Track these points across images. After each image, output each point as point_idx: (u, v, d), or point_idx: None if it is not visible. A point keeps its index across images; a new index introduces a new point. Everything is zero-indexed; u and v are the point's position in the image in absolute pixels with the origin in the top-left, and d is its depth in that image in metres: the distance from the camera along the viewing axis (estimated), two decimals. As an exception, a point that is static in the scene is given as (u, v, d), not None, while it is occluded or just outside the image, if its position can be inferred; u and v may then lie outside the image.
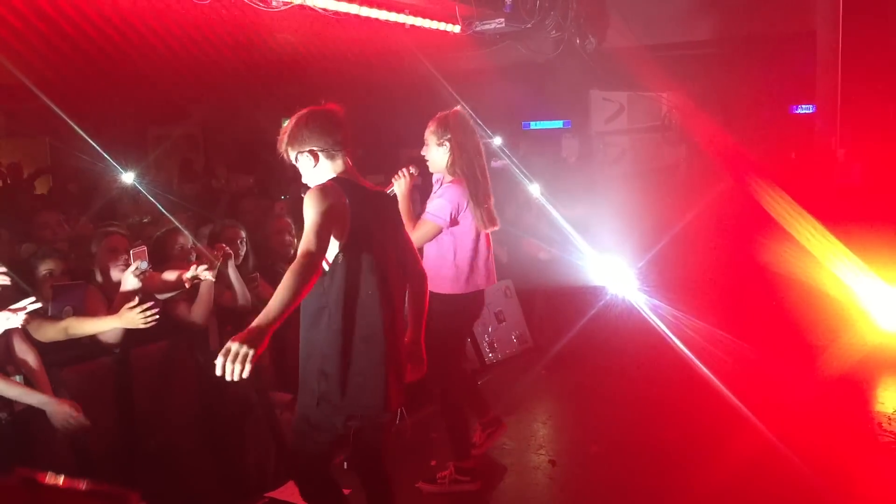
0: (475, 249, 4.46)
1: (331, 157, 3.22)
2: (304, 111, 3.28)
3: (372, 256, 3.14)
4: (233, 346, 2.63)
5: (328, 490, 3.38)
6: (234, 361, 2.61)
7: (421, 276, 3.51)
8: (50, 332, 3.94)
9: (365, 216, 3.15)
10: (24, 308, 3.50)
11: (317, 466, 3.34)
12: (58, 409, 3.65)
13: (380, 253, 3.19)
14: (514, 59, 10.37)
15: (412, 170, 4.43)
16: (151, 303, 3.92)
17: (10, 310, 3.48)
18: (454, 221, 4.38)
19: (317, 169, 3.24)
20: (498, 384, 6.37)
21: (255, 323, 2.72)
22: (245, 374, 2.64)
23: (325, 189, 3.07)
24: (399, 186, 4.40)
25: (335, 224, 3.03)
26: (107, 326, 4.01)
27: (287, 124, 3.28)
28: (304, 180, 3.33)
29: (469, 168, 4.38)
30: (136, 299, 3.90)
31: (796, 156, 10.58)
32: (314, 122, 3.22)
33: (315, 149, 3.21)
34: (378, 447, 3.48)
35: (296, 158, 3.28)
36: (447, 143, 4.40)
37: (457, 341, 4.71)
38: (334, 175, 3.22)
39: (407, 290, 3.48)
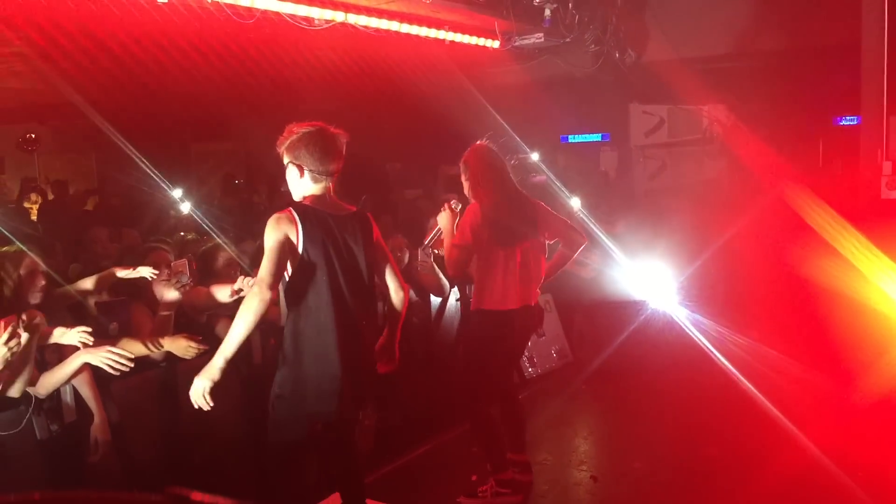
0: (499, 266, 4.45)
1: (315, 179, 3.50)
2: (313, 128, 3.50)
3: (327, 276, 3.41)
4: (195, 381, 3.20)
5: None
6: (194, 396, 3.19)
7: (399, 294, 3.72)
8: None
9: (323, 241, 3.41)
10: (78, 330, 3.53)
11: (284, 468, 3.57)
12: (96, 355, 3.63)
13: (338, 272, 3.44)
14: (553, 74, 10.38)
15: (454, 204, 4.66)
16: (200, 338, 4.11)
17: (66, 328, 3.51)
18: (474, 238, 4.45)
19: (299, 182, 3.51)
20: (538, 399, 6.35)
21: (213, 358, 3.23)
22: (206, 407, 3.20)
23: (278, 219, 3.37)
24: (442, 220, 4.65)
25: (285, 252, 3.35)
26: (155, 349, 4.09)
27: (294, 131, 3.50)
28: (288, 185, 3.59)
29: (492, 194, 4.50)
30: (195, 341, 4.07)
31: (841, 168, 10.43)
32: (315, 146, 3.47)
33: (304, 167, 3.46)
34: (343, 449, 3.77)
35: (286, 164, 3.53)
36: (469, 179, 4.58)
37: (484, 357, 4.56)
38: (309, 194, 3.51)
39: (385, 304, 3.78)
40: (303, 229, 3.37)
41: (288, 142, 3.51)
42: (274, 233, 3.35)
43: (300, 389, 3.45)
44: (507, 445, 4.70)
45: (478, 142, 4.64)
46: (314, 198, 3.51)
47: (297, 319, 3.45)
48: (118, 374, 3.63)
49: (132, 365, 3.65)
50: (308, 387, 3.45)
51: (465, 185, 4.62)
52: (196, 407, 3.22)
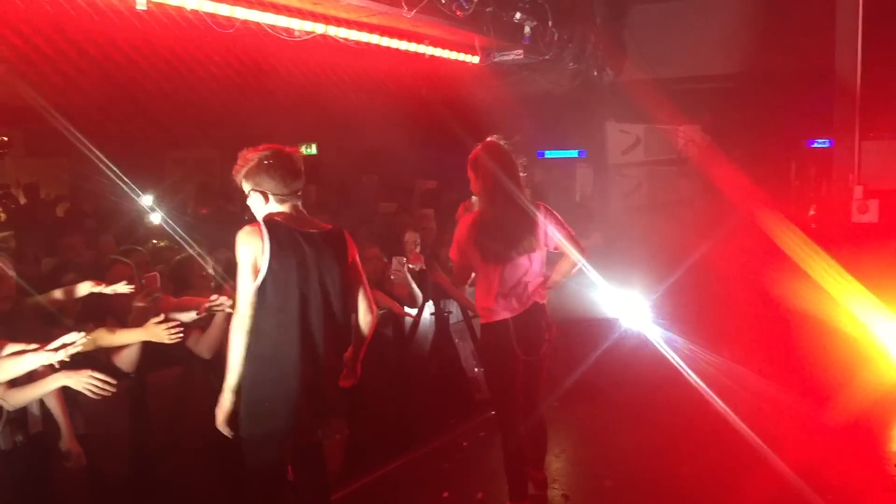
0: (492, 278, 4.30)
1: (281, 201, 3.45)
2: (267, 152, 3.44)
3: (290, 293, 3.35)
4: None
5: None
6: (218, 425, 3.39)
7: (367, 317, 3.67)
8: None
9: (291, 257, 3.35)
10: (64, 346, 3.29)
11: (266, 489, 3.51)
12: (76, 379, 3.46)
13: (304, 291, 3.38)
14: (531, 90, 10.44)
15: (468, 206, 4.60)
16: (176, 322, 3.95)
17: (48, 350, 3.37)
18: (463, 257, 4.40)
19: (264, 208, 3.46)
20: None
21: (222, 393, 3.39)
22: (230, 435, 3.40)
23: (246, 233, 3.34)
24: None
25: (252, 268, 3.32)
26: (133, 338, 4.02)
27: (249, 158, 3.45)
28: (251, 209, 3.53)
29: (499, 202, 4.33)
30: (162, 315, 3.94)
31: (812, 190, 10.57)
32: (275, 171, 3.42)
33: (268, 192, 3.42)
34: (309, 464, 3.70)
35: (248, 192, 3.48)
36: (480, 180, 4.38)
37: (492, 372, 4.50)
38: (278, 213, 3.44)
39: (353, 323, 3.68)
40: (269, 245, 3.31)
41: (245, 169, 3.45)
42: (242, 249, 3.32)
43: (256, 410, 3.39)
44: (523, 473, 4.47)
45: (489, 138, 4.42)
46: (285, 216, 3.45)
47: (253, 339, 3.37)
48: (98, 397, 3.54)
49: (114, 390, 3.56)
50: (264, 406, 3.39)
51: (476, 184, 4.41)
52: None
